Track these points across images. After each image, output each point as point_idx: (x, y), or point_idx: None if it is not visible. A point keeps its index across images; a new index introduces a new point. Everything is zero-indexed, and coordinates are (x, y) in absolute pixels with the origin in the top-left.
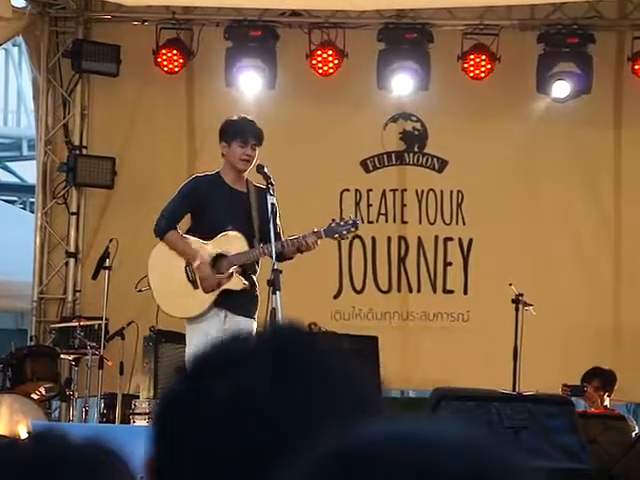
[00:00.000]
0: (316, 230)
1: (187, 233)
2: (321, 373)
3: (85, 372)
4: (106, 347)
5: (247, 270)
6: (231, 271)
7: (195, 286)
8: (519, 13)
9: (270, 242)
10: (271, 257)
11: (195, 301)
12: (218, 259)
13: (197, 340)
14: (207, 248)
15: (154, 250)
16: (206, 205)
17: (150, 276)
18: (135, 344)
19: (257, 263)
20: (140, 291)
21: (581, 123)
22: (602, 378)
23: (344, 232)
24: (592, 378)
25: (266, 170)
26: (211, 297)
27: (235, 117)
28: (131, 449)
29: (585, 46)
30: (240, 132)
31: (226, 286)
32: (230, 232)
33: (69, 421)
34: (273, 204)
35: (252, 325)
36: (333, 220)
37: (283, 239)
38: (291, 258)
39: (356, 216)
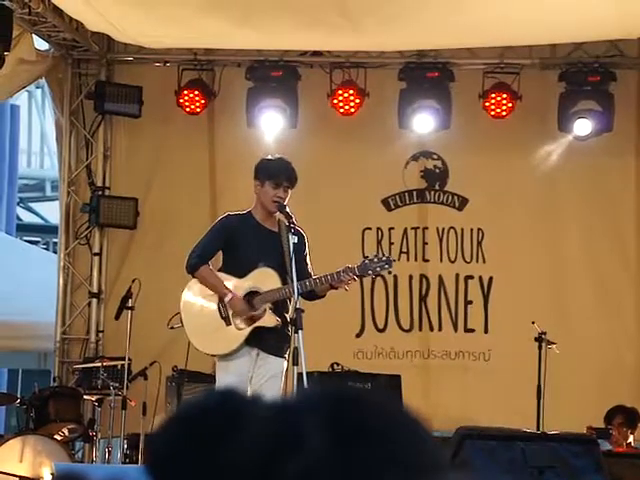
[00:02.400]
0: (350, 266)
1: (218, 272)
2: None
3: (108, 413)
4: (129, 387)
5: (279, 308)
6: (264, 308)
7: (228, 323)
8: (540, 52)
9: (300, 279)
10: (297, 295)
11: (228, 338)
12: (251, 295)
13: (228, 379)
14: (240, 284)
15: (186, 288)
16: (238, 242)
17: (183, 313)
18: (158, 384)
19: (289, 301)
20: (172, 328)
21: (603, 161)
22: (625, 415)
23: (378, 269)
24: (615, 414)
25: (288, 209)
26: (244, 334)
27: (271, 157)
28: None
29: (606, 84)
30: (274, 174)
31: (259, 323)
32: (263, 268)
33: (92, 462)
34: (295, 243)
35: (283, 365)
36: (366, 257)
37: (316, 276)
38: (323, 296)
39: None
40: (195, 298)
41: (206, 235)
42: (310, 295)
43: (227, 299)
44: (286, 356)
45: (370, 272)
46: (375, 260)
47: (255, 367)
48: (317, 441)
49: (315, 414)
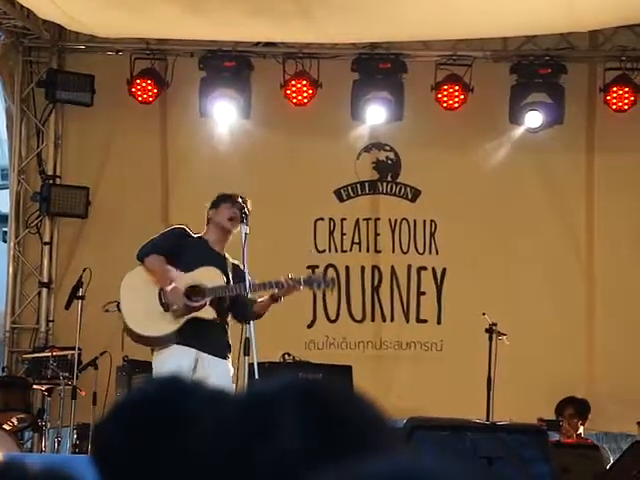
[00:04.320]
0: (295, 277)
1: None
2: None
3: (58, 402)
4: (79, 377)
5: (221, 306)
6: (204, 301)
7: (166, 309)
8: (492, 44)
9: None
10: (248, 287)
11: (163, 322)
12: (194, 290)
13: (168, 368)
14: (183, 277)
15: (128, 273)
16: (185, 252)
17: (122, 295)
18: (108, 374)
19: (228, 300)
20: (107, 311)
21: (553, 153)
22: (576, 406)
23: (322, 284)
24: (566, 406)
25: (240, 199)
26: (179, 321)
27: (224, 194)
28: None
29: (557, 77)
30: (228, 195)
31: (197, 314)
32: (208, 267)
33: (41, 452)
34: (247, 233)
35: (229, 366)
36: (313, 273)
37: (258, 282)
38: (261, 316)
39: (329, 245)
40: (135, 283)
41: (159, 235)
42: (247, 316)
43: (168, 288)
44: (229, 356)
45: (315, 285)
46: (320, 277)
47: (197, 368)
48: (289, 430)
49: (285, 403)
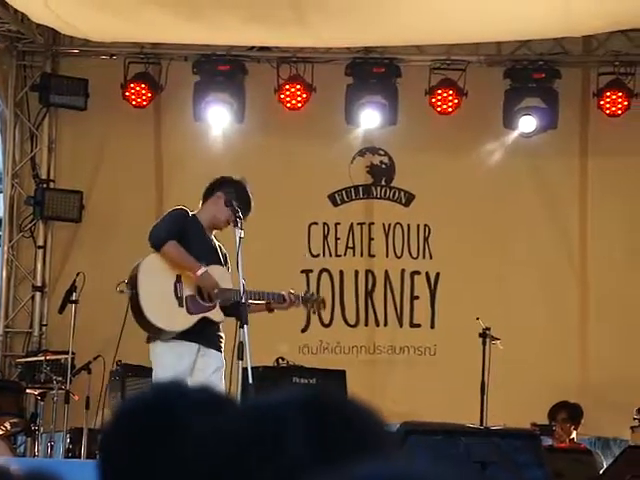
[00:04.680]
0: (293, 292)
1: None
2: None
3: (51, 407)
4: (72, 381)
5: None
6: (216, 302)
7: (180, 304)
8: (486, 49)
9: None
10: (242, 290)
11: (175, 317)
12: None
13: (170, 361)
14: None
15: (145, 259)
16: (191, 236)
17: (139, 280)
18: (102, 378)
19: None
20: (122, 292)
21: (547, 158)
22: (569, 411)
23: (315, 306)
24: (559, 411)
25: (234, 204)
26: (192, 319)
27: (242, 181)
28: None
29: (551, 81)
30: (244, 207)
31: (209, 314)
32: (218, 266)
33: (34, 456)
34: (241, 237)
35: (223, 360)
36: (307, 292)
37: (258, 290)
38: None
39: (324, 249)
40: (153, 270)
41: (165, 217)
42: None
43: (200, 272)
44: (222, 347)
45: (309, 305)
46: (315, 297)
47: (197, 361)
48: (300, 442)
49: (287, 412)
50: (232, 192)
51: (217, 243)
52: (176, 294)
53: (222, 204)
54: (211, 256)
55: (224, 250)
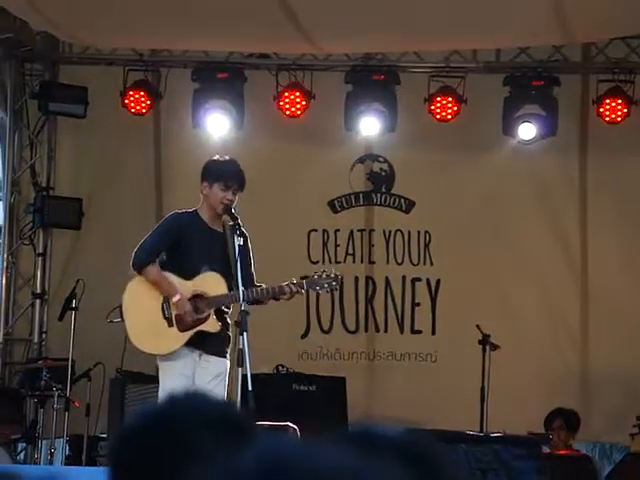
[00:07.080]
0: (296, 282)
1: (163, 270)
2: None
3: (51, 414)
4: (72, 389)
5: (221, 311)
6: (208, 312)
7: (170, 324)
8: (485, 56)
9: (244, 282)
10: (242, 298)
11: (169, 339)
12: (197, 299)
13: (172, 382)
14: (186, 286)
15: (130, 283)
16: (185, 242)
17: (124, 309)
18: (102, 385)
19: (231, 305)
20: (111, 322)
21: (547, 165)
22: (564, 418)
23: (325, 285)
24: (554, 419)
25: (233, 211)
26: (185, 336)
27: (220, 158)
28: None
29: (550, 89)
30: (224, 176)
31: (202, 327)
32: (209, 272)
33: (34, 463)
34: (240, 245)
35: (227, 364)
36: (315, 273)
37: (264, 286)
38: (264, 303)
39: (323, 256)
40: (138, 295)
41: (154, 232)
42: (253, 302)
43: (175, 299)
44: (228, 356)
45: (318, 288)
46: (323, 277)
47: (198, 368)
48: None
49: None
50: (213, 174)
51: (228, 231)
52: (164, 315)
53: (209, 190)
54: (214, 256)
55: (242, 233)
